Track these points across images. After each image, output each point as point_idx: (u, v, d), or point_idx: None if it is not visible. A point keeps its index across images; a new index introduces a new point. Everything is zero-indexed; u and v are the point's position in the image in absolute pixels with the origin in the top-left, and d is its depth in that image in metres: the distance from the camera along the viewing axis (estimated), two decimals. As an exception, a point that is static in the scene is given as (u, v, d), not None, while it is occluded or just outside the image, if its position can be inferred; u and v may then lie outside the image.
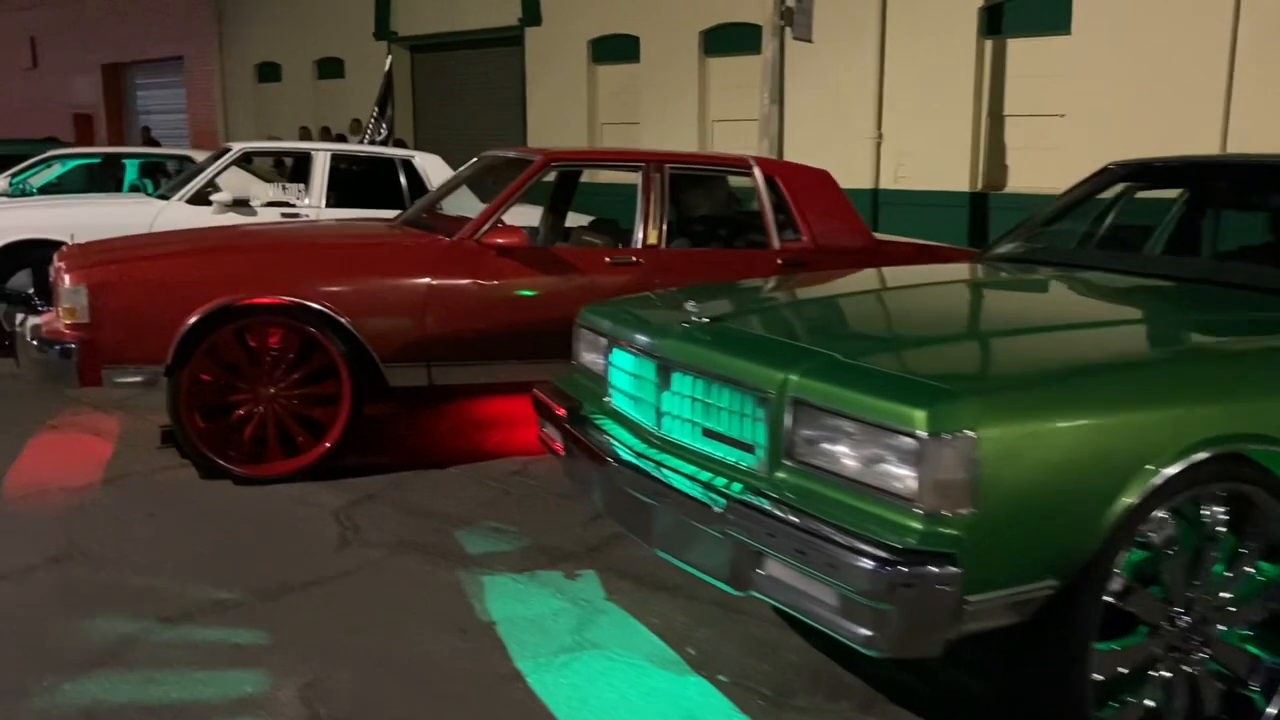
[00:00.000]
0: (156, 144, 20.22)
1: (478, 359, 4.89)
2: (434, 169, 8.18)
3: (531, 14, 15.07)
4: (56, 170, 10.68)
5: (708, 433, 2.51)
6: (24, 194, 9.75)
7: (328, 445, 4.71)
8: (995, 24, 10.95)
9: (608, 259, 5.11)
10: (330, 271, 4.65)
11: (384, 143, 9.39)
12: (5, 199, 9.54)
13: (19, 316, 7.30)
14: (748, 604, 3.38)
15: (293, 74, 19.09)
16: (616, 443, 2.76)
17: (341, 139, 17.09)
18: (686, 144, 13.51)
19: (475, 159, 6.34)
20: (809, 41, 9.23)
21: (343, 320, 4.60)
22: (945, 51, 11.13)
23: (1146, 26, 9.73)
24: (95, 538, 4.01)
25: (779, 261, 5.31)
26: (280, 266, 4.61)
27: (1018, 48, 10.88)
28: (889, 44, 11.53)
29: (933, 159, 11.36)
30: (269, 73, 19.62)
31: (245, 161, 9.41)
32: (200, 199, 7.50)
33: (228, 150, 7.96)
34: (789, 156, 10.75)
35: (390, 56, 9.64)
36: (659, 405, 2.67)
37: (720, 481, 2.39)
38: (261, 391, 4.63)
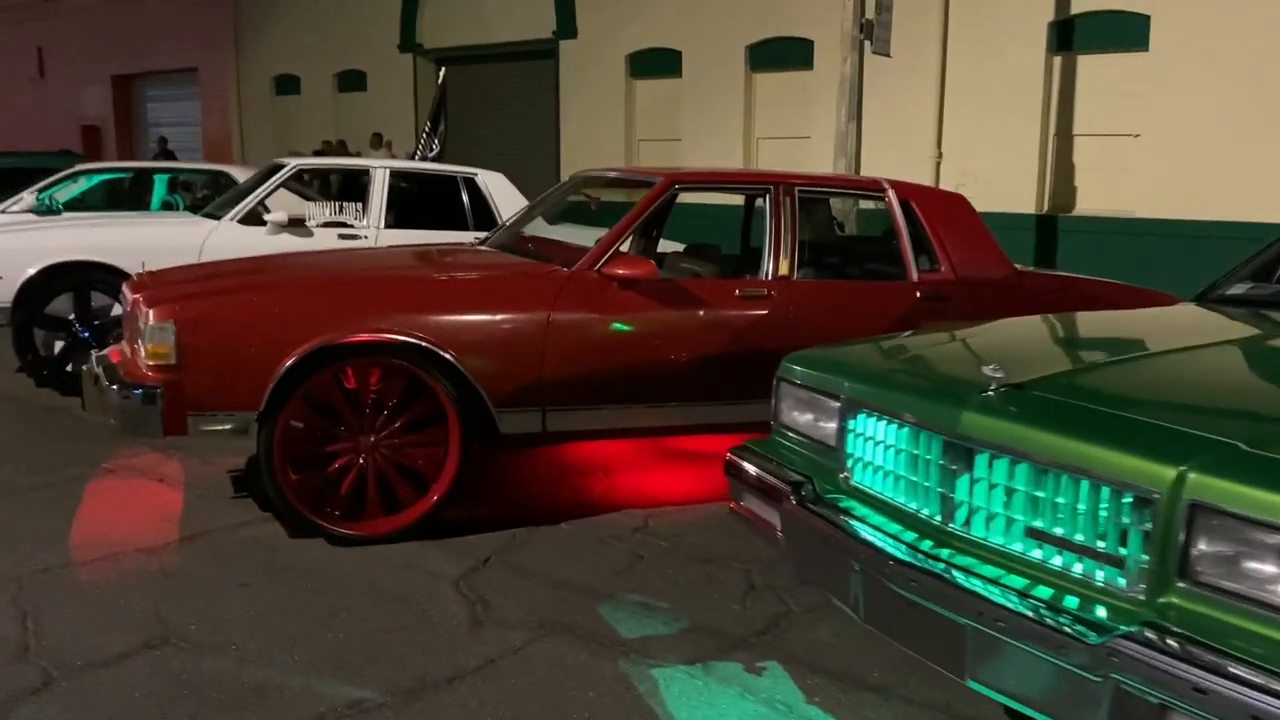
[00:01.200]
0: (172, 156, 19.75)
1: (597, 403, 4.39)
2: (497, 187, 7.69)
3: (566, 27, 14.62)
4: (81, 185, 10.15)
5: (1035, 534, 2.01)
6: (50, 210, 9.24)
7: (435, 498, 4.20)
8: (1065, 40, 10.52)
9: (737, 291, 4.61)
10: (442, 305, 4.15)
11: (435, 160, 8.89)
12: (35, 217, 9.04)
13: (58, 344, 6.82)
14: (979, 708, 2.87)
15: (312, 86, 18.62)
16: (882, 535, 2.25)
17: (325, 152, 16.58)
18: (729, 162, 13.05)
19: (568, 178, 5.87)
20: (887, 56, 8.78)
21: (453, 360, 4.09)
22: (1011, 68, 10.69)
23: (1230, 42, 9.30)
24: (189, 615, 3.48)
25: (918, 295, 4.82)
26: (388, 300, 4.11)
27: (1090, 64, 10.44)
28: (950, 60, 11.09)
29: (996, 179, 10.89)
30: (287, 85, 19.14)
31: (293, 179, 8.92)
32: (252, 218, 7.00)
33: (279, 167, 7.46)
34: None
35: (444, 69, 9.16)
36: (950, 493, 2.18)
37: (1071, 602, 1.89)
38: (362, 440, 4.11)
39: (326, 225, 7.19)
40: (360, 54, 17.56)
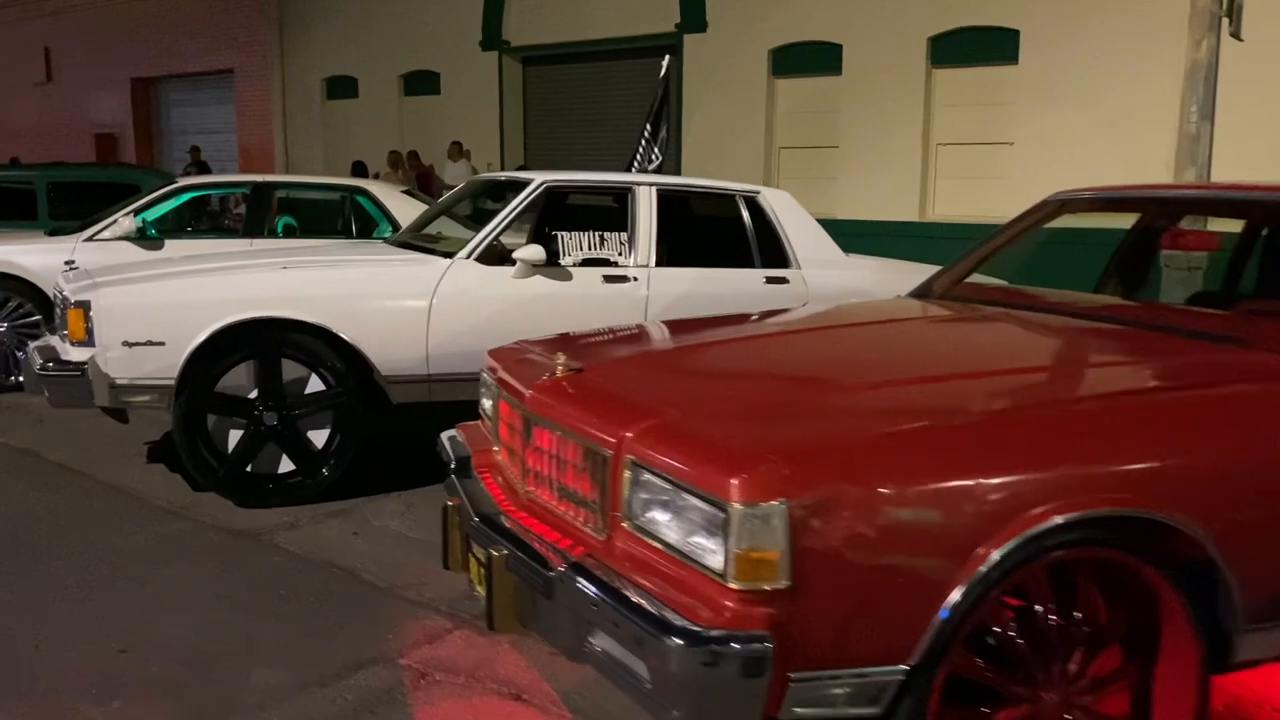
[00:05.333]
0: (206, 167, 17.75)
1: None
2: (784, 209, 5.81)
3: (694, 18, 12.74)
4: (166, 206, 8.10)
5: None
6: (145, 236, 7.30)
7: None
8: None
9: None
10: (1172, 443, 2.26)
11: (656, 172, 6.98)
12: (138, 247, 7.13)
13: (233, 433, 4.85)
14: None
15: (372, 89, 16.61)
16: None
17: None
18: (901, 172, 11.24)
19: (1037, 205, 3.99)
20: (1239, 39, 6.98)
21: (1210, 545, 2.20)
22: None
23: None
24: None
25: None
26: (1109, 435, 2.21)
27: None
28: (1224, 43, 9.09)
29: None
30: (341, 88, 17.12)
31: (495, 199, 7.05)
32: (493, 256, 5.08)
33: (506, 185, 5.56)
34: (1074, 186, 7.54)
35: (667, 59, 7.24)
36: None
37: None
38: (1045, 697, 2.22)
39: (586, 264, 5.29)
40: (432, 52, 15.57)
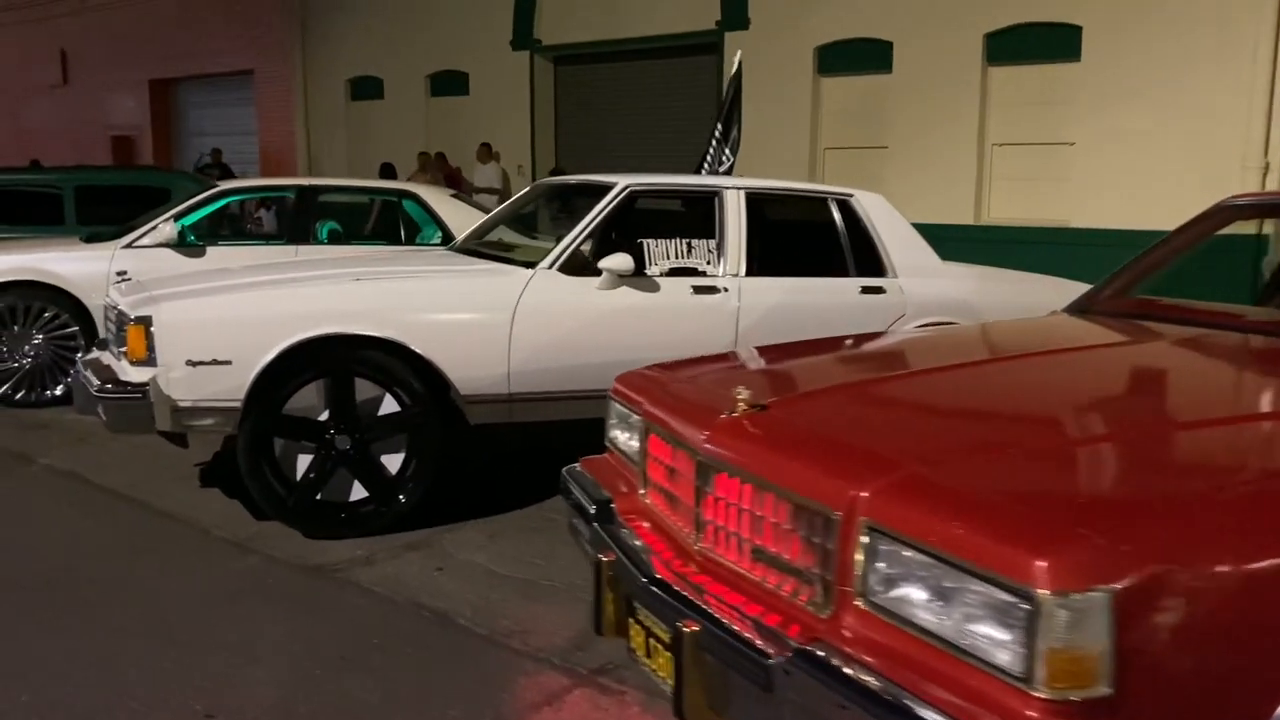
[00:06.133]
0: (227, 168, 17.42)
1: None
2: (878, 212, 5.45)
3: (736, 16, 12.36)
4: (205, 211, 7.72)
5: None
6: (183, 242, 6.95)
7: None
8: None
9: None
10: None
11: (727, 173, 6.61)
12: (178, 254, 6.79)
13: (302, 459, 4.48)
14: None
15: (398, 90, 16.24)
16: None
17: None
18: (955, 174, 10.85)
19: (1208, 209, 3.60)
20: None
21: None
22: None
23: None
24: None
25: None
26: None
27: None
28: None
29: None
30: (366, 88, 16.76)
31: (563, 204, 6.69)
32: (575, 265, 4.71)
33: (568, 189, 5.19)
34: (1141, 187, 6.71)
35: (739, 55, 6.87)
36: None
37: None
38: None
39: (672, 273, 4.91)
40: (460, 52, 15.19)
